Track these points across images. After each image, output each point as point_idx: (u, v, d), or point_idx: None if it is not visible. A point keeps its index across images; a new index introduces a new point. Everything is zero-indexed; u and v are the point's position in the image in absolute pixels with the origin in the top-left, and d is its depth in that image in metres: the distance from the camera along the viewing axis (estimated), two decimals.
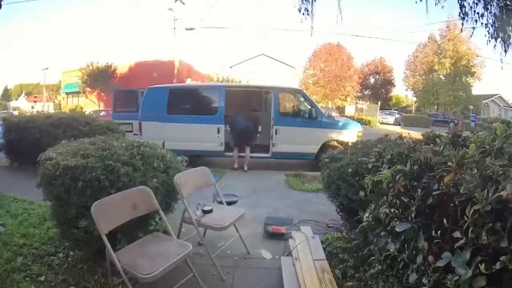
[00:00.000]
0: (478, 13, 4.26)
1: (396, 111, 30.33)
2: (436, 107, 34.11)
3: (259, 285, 2.33)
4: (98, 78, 24.91)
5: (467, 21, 4.32)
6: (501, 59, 4.48)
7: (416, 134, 2.74)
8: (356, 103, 33.72)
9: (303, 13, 4.51)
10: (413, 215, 1.33)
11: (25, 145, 5.51)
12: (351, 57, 33.63)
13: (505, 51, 4.35)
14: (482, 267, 0.96)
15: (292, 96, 7.57)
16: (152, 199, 2.15)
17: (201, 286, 2.15)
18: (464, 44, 29.42)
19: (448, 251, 1.11)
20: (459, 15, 4.38)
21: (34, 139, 5.43)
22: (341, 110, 30.54)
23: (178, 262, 1.94)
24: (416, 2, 4.34)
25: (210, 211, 2.57)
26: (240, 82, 20.68)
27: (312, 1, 4.44)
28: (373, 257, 1.87)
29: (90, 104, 25.30)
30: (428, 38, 32.51)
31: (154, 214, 2.34)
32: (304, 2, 4.43)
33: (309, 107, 6.82)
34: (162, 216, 2.26)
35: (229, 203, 3.55)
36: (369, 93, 36.47)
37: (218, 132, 6.60)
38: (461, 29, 5.16)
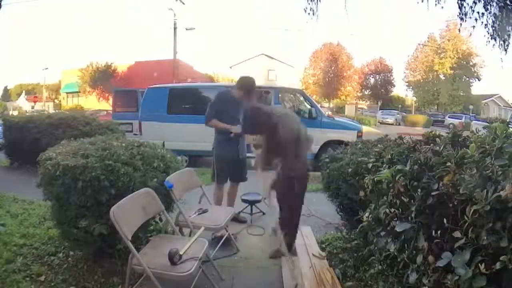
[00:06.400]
0: (478, 12, 4.27)
1: (396, 111, 30.33)
2: (436, 107, 34.15)
3: (259, 284, 2.33)
4: (98, 78, 24.91)
5: (465, 21, 4.33)
6: (501, 58, 4.49)
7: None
8: (356, 103, 33.75)
9: (309, 13, 4.49)
10: (413, 215, 1.33)
11: (25, 145, 5.51)
12: (351, 57, 33.68)
13: (505, 50, 4.36)
14: (482, 267, 0.96)
15: (292, 96, 7.57)
16: (157, 200, 2.15)
17: (213, 285, 2.17)
18: (465, 44, 29.46)
19: (448, 251, 1.11)
20: (458, 15, 4.38)
21: (34, 139, 5.43)
22: (340, 110, 30.60)
23: (203, 258, 1.99)
24: (418, 3, 4.34)
25: (205, 212, 2.59)
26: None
27: (317, 1, 4.42)
28: (373, 257, 1.88)
29: (93, 104, 25.23)
30: (428, 38, 32.56)
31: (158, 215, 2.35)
32: (310, 2, 4.41)
33: (309, 107, 6.82)
34: (167, 217, 2.26)
35: (253, 202, 3.58)
36: (369, 93, 36.47)
37: None
38: (459, 29, 5.16)
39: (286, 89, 8.08)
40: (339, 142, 6.43)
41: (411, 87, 34.83)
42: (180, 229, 2.50)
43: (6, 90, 50.93)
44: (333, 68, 32.57)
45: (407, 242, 1.37)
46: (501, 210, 0.99)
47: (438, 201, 1.24)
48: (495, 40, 4.35)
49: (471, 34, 5.09)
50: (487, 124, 2.24)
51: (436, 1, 4.27)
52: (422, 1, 4.27)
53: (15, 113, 16.28)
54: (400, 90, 39.80)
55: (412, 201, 1.36)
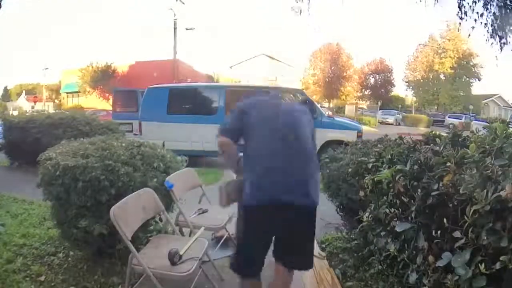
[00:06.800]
0: (477, 12, 4.27)
1: (396, 111, 30.33)
2: (436, 107, 34.15)
3: None
4: (98, 78, 24.89)
5: (466, 20, 4.34)
6: (495, 56, 4.50)
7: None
8: (356, 103, 33.73)
9: (296, 12, 4.53)
10: (413, 215, 1.33)
11: (25, 145, 5.51)
12: (350, 57, 33.67)
13: (501, 48, 4.37)
14: (482, 267, 0.96)
15: (292, 96, 7.57)
16: (157, 200, 2.15)
17: (213, 285, 2.16)
18: (465, 43, 29.47)
19: (448, 251, 1.11)
20: (457, 15, 4.39)
21: (34, 139, 5.43)
22: (340, 110, 30.60)
23: (203, 258, 1.99)
24: (416, 2, 4.36)
25: (205, 212, 2.59)
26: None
27: (309, 1, 4.45)
28: (373, 257, 1.88)
29: (93, 104, 25.15)
30: (428, 38, 32.58)
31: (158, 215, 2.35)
32: (298, 1, 4.45)
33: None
34: (167, 217, 2.26)
35: None
36: (369, 93, 36.45)
37: None
38: (458, 29, 5.18)
39: (286, 89, 8.08)
40: (339, 142, 6.44)
41: (411, 87, 34.82)
42: (180, 229, 2.50)
43: (6, 90, 50.95)
44: (333, 68, 32.57)
45: (407, 242, 1.37)
46: (501, 210, 0.99)
47: (438, 201, 1.24)
48: (495, 39, 4.36)
49: (469, 34, 5.08)
50: (487, 124, 2.24)
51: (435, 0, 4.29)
52: (420, 1, 4.29)
53: (15, 113, 16.25)
54: (400, 90, 39.80)
55: (412, 201, 1.36)
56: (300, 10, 4.49)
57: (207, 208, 2.70)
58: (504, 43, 4.29)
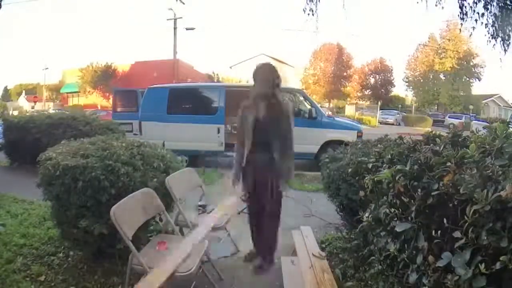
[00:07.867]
0: (478, 12, 4.27)
1: (396, 111, 30.33)
2: (436, 107, 34.16)
3: (259, 284, 2.33)
4: (98, 78, 24.92)
5: (465, 21, 4.34)
6: (500, 58, 4.49)
7: None
8: (356, 103, 33.75)
9: (308, 14, 4.49)
10: (413, 215, 1.32)
11: (25, 145, 5.51)
12: (351, 57, 33.70)
13: (505, 50, 4.36)
14: (482, 267, 0.96)
15: (292, 96, 7.58)
16: (157, 200, 2.15)
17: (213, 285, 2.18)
18: (465, 44, 29.47)
19: (448, 251, 1.11)
20: (459, 16, 4.39)
21: (34, 139, 5.43)
22: (340, 110, 30.62)
23: (203, 258, 2.03)
24: (418, 2, 4.35)
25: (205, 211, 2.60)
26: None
27: (317, 1, 4.42)
28: (373, 257, 1.87)
29: (97, 102, 25.06)
30: (428, 38, 32.59)
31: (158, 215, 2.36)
32: (308, 2, 4.41)
33: (309, 107, 6.83)
34: (167, 217, 2.26)
35: None
36: (369, 93, 36.45)
37: (218, 132, 6.60)
38: (460, 29, 5.17)
39: (286, 89, 8.06)
40: (339, 142, 6.43)
41: (411, 87, 34.81)
42: (180, 229, 2.50)
43: (6, 90, 50.98)
44: (333, 68, 32.59)
45: (407, 242, 1.36)
46: (501, 210, 0.98)
47: (438, 201, 1.24)
48: (496, 40, 4.36)
49: (471, 34, 5.10)
50: (487, 124, 2.24)
51: (436, 1, 4.28)
52: (422, 0, 4.28)
53: (16, 113, 16.23)
54: (400, 90, 39.80)
55: (412, 201, 1.35)
56: (311, 11, 4.43)
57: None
58: (508, 45, 4.29)
